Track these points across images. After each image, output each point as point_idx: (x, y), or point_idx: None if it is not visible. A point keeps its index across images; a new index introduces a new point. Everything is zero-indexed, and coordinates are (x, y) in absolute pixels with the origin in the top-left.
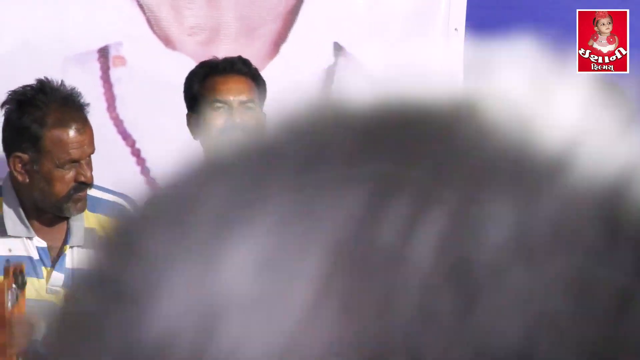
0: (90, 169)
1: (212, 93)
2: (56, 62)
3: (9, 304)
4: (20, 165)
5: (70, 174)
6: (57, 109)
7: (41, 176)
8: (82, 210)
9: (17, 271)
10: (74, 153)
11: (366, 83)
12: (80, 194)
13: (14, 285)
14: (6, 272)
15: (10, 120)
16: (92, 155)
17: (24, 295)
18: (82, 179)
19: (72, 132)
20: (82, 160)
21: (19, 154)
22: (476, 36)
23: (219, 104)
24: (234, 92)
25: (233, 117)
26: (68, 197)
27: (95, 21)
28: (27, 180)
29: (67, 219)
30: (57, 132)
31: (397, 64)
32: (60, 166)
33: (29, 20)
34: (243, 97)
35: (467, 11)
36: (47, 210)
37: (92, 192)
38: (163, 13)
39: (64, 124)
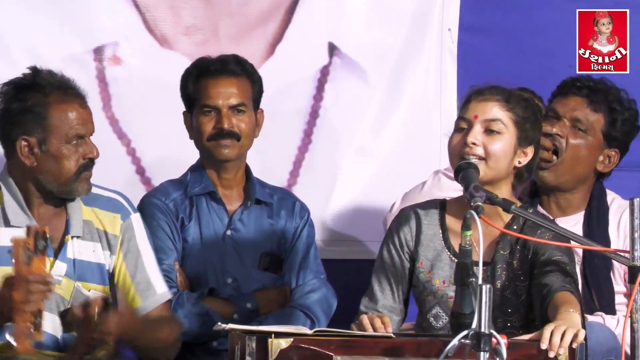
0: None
1: (202, 97)
2: (53, 62)
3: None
4: (27, 149)
5: (78, 151)
6: (57, 88)
7: (50, 156)
8: (88, 190)
9: (38, 234)
10: (80, 128)
11: (359, 83)
12: (87, 172)
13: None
14: (27, 231)
15: (9, 108)
16: None
17: (42, 259)
18: (90, 155)
19: (75, 108)
20: (87, 137)
21: (25, 137)
22: (469, 36)
23: (207, 109)
24: (223, 97)
25: (222, 123)
26: (77, 175)
27: (92, 21)
28: (35, 163)
29: (66, 209)
30: (61, 109)
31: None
32: (69, 142)
33: (26, 20)
34: (233, 101)
35: (461, 12)
36: (55, 194)
37: None
38: (159, 13)
39: (67, 101)
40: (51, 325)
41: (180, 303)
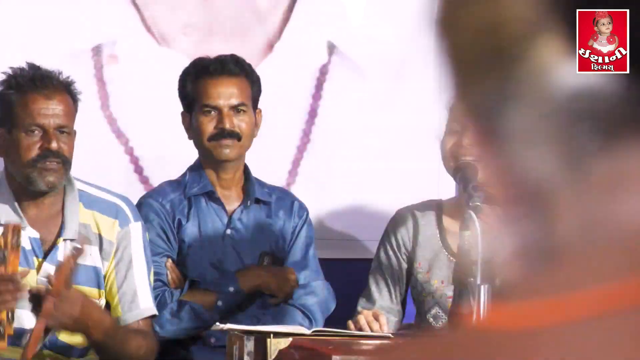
0: (65, 143)
1: (203, 97)
2: (51, 60)
3: None
4: (1, 139)
5: (37, 142)
6: (29, 80)
7: (12, 144)
8: (52, 185)
9: (14, 230)
10: (42, 118)
11: (359, 82)
12: (46, 163)
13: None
14: (4, 230)
15: None
16: (86, 154)
17: (17, 254)
18: (47, 145)
19: (41, 98)
20: (50, 129)
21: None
22: None
23: (208, 109)
24: (224, 97)
25: (223, 123)
26: (33, 165)
27: (89, 19)
28: (5, 153)
29: (63, 211)
30: (26, 97)
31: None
32: (25, 131)
33: (23, 19)
34: (233, 101)
35: None
36: (23, 184)
37: (89, 189)
38: (157, 11)
39: (35, 90)
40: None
41: (162, 303)
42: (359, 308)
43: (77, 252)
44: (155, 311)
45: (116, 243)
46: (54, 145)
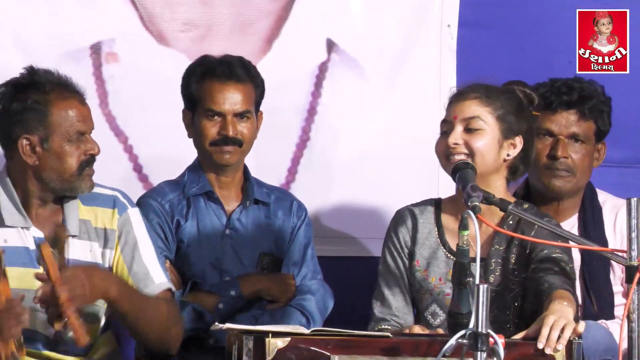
0: (97, 145)
1: (207, 100)
2: (49, 58)
3: None
4: (29, 147)
5: (79, 148)
6: (57, 86)
7: (52, 153)
8: (91, 187)
9: None
10: (80, 125)
11: (358, 79)
12: (89, 168)
13: None
14: None
15: (9, 108)
16: None
17: (5, 280)
18: (92, 151)
19: (75, 105)
20: (87, 134)
21: (27, 136)
22: (468, 33)
23: (212, 113)
24: (229, 103)
25: (226, 129)
26: (80, 171)
27: (88, 18)
28: (37, 162)
29: (63, 209)
30: (62, 106)
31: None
32: (70, 139)
33: (22, 17)
34: (238, 108)
35: (460, 8)
36: (58, 191)
37: None
38: (156, 9)
39: (67, 98)
40: (42, 323)
41: None
42: (377, 313)
43: (52, 237)
44: (170, 285)
45: (118, 230)
46: (96, 150)
